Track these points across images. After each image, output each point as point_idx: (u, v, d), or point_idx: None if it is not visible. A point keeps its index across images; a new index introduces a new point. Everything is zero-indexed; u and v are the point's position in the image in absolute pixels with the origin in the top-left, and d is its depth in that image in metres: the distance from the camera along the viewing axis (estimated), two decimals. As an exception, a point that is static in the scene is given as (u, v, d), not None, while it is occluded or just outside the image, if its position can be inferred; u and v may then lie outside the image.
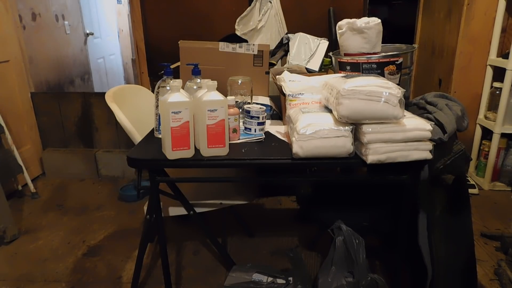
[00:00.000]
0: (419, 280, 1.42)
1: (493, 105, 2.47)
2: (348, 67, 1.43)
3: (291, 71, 1.56)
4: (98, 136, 2.87)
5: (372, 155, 1.13)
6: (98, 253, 1.94)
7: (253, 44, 1.72)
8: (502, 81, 2.36)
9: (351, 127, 1.15)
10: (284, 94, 1.39)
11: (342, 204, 1.64)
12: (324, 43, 2.03)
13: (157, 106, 1.34)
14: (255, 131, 1.37)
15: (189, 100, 1.17)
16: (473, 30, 2.45)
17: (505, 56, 2.33)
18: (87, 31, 3.65)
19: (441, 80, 2.75)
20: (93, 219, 2.26)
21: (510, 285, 1.62)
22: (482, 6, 2.39)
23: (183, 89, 1.23)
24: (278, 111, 1.62)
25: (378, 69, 1.37)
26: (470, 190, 2.40)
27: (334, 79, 1.27)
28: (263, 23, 2.39)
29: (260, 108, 1.38)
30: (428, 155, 1.16)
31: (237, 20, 2.36)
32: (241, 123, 1.39)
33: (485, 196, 2.44)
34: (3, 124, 2.38)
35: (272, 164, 1.22)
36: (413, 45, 1.48)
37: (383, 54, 1.41)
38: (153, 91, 1.40)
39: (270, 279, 1.46)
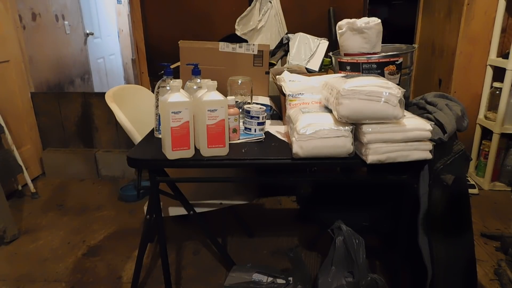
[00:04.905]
0: (419, 280, 1.42)
1: (493, 105, 2.47)
2: (348, 67, 1.43)
3: (291, 71, 1.56)
4: (98, 136, 2.87)
5: (372, 155, 1.13)
6: (98, 253, 1.94)
7: (253, 44, 1.71)
8: (502, 81, 2.36)
9: (351, 127, 1.15)
10: (284, 94, 1.39)
11: (342, 204, 1.63)
12: (324, 43, 2.03)
13: (157, 106, 1.34)
14: (255, 131, 1.37)
15: (189, 100, 1.17)
16: (473, 30, 2.45)
17: (505, 56, 2.33)
18: (87, 31, 3.65)
19: (441, 80, 2.75)
20: (93, 219, 2.26)
21: (510, 285, 1.62)
22: (482, 6, 2.39)
23: (183, 89, 1.23)
24: (278, 111, 1.62)
25: (378, 69, 1.37)
26: (470, 190, 2.40)
27: (334, 79, 1.27)
28: (263, 23, 2.39)
29: (260, 108, 1.38)
30: (428, 155, 1.16)
31: (237, 20, 2.36)
32: (241, 123, 1.39)
33: (485, 196, 2.44)
34: (3, 124, 2.38)
35: (272, 164, 1.22)
36: (413, 45, 1.48)
37: (383, 54, 1.40)
38: (153, 91, 1.40)
39: (270, 279, 1.46)
